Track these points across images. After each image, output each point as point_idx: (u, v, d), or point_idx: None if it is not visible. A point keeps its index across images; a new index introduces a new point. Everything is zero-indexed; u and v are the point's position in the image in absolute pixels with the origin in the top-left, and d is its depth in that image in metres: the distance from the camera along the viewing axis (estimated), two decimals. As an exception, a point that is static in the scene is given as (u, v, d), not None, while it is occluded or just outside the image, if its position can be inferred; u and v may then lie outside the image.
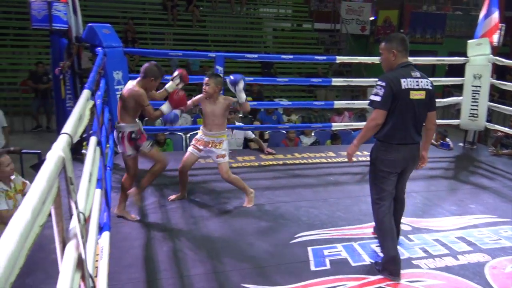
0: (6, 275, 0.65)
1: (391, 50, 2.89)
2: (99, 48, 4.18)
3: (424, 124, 2.97)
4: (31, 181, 5.24)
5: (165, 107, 3.40)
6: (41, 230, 0.91)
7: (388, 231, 2.89)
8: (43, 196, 0.94)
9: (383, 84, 2.79)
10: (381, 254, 2.99)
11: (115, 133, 3.51)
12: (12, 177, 3.53)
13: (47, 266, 2.67)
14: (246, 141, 5.82)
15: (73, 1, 4.37)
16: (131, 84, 3.38)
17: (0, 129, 6.17)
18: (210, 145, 3.74)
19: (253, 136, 5.55)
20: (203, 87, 3.67)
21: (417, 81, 2.82)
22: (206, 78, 3.67)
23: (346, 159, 5.31)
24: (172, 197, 3.95)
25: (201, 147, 3.77)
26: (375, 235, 3.29)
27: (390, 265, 2.86)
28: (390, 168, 2.88)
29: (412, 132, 2.86)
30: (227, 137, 3.84)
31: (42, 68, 9.78)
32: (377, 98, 2.80)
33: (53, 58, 4.46)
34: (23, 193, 3.53)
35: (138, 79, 3.39)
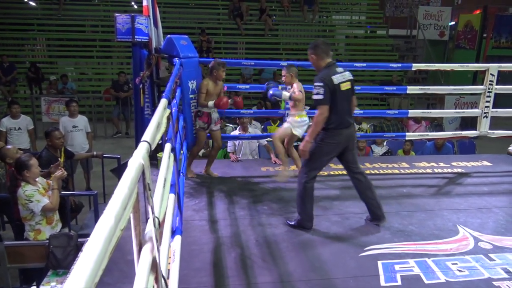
0: (93, 276, 0.71)
1: (315, 54, 3.44)
2: (176, 58, 4.36)
3: None
4: (111, 184, 5.57)
5: (211, 103, 4.34)
6: (122, 233, 0.97)
7: (311, 196, 3.50)
8: (125, 202, 1.00)
9: (321, 84, 3.29)
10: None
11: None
12: (37, 179, 3.94)
13: (123, 266, 2.82)
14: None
15: (155, 15, 4.61)
16: None
17: (85, 134, 6.59)
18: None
19: (266, 142, 5.54)
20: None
21: (342, 75, 3.39)
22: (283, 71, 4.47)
23: (420, 171, 5.12)
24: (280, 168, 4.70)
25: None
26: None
27: (308, 221, 3.53)
28: (334, 150, 3.46)
29: (347, 116, 3.46)
30: (306, 115, 4.45)
31: (124, 78, 10.44)
32: (320, 97, 3.29)
33: (134, 68, 4.71)
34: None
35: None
